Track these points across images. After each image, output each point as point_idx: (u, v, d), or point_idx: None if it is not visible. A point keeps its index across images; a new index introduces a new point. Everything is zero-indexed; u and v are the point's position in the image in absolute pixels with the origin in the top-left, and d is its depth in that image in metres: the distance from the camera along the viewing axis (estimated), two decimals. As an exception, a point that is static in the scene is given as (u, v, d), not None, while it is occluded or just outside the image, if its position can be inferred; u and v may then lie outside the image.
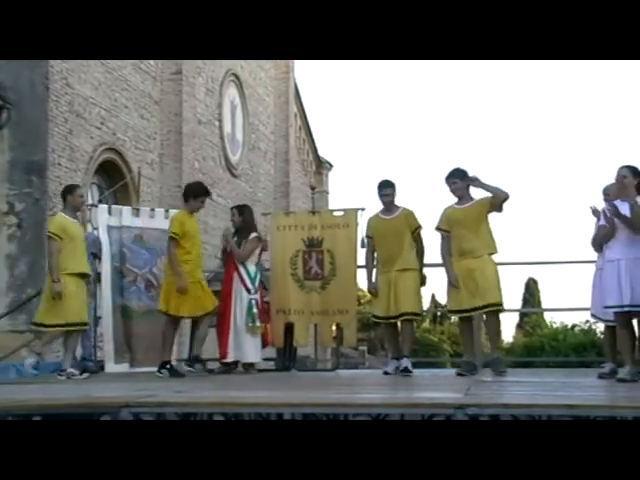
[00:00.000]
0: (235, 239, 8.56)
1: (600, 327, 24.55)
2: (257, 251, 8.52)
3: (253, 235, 8.51)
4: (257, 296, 8.43)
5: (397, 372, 7.72)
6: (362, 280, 8.22)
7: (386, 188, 7.91)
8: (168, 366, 7.81)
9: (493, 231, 7.57)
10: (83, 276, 7.89)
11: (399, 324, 7.87)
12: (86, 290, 7.98)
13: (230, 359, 8.45)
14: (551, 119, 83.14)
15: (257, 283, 8.45)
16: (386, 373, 7.87)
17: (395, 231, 7.79)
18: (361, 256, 8.53)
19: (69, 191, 8.10)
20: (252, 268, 8.45)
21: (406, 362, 7.74)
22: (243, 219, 8.61)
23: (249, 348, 8.36)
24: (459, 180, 7.54)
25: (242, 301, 8.36)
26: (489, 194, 7.46)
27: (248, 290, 8.37)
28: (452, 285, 7.47)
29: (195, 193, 8.08)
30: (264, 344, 8.62)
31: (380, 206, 8.01)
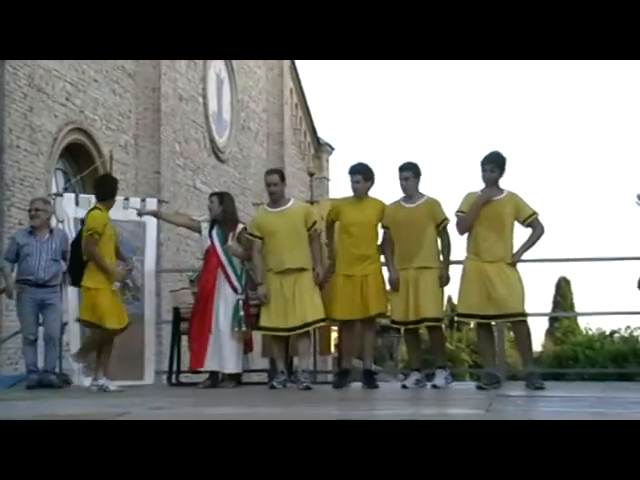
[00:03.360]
0: (214, 230, 8.49)
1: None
2: None
3: (241, 227, 8.49)
4: (244, 296, 8.45)
5: (418, 385, 7.76)
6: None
7: (403, 171, 7.83)
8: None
9: (515, 238, 7.57)
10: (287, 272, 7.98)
11: (424, 331, 7.97)
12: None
13: (207, 368, 8.47)
14: (584, 113, 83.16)
15: (243, 281, 8.45)
16: (404, 387, 7.85)
17: (415, 223, 7.73)
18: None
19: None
20: (238, 264, 8.45)
21: (439, 375, 7.78)
22: (224, 209, 8.56)
23: (230, 357, 8.34)
24: (497, 168, 7.51)
25: (227, 302, 8.34)
26: (516, 193, 7.53)
27: (235, 289, 8.36)
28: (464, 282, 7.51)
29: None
30: (246, 351, 8.62)
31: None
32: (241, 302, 8.33)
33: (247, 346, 8.56)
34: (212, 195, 8.90)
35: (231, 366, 8.39)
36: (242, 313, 8.30)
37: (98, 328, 7.94)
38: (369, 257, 7.90)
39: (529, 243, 7.55)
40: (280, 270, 7.96)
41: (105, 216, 8.02)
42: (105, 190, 8.25)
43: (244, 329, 8.31)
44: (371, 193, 8.06)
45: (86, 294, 7.97)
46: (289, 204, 8.17)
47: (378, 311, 7.94)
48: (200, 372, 8.56)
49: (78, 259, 8.03)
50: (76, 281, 8.17)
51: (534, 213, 7.54)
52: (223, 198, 8.70)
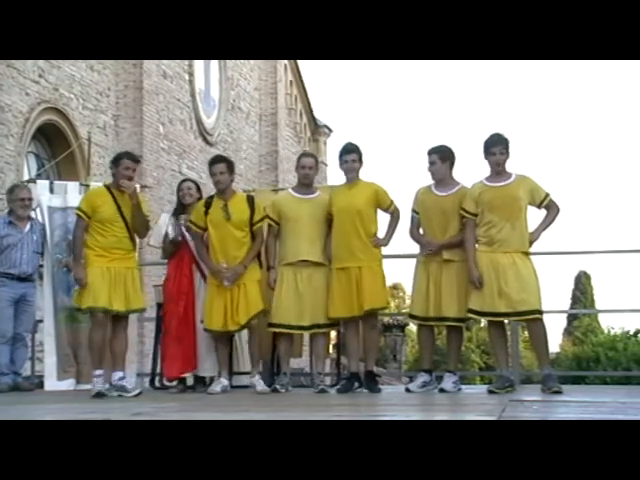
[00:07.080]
0: (183, 222, 8.45)
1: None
2: None
3: None
4: None
5: (425, 389, 7.80)
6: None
7: (429, 155, 7.90)
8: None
9: (529, 225, 7.59)
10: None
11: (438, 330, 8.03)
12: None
13: (204, 373, 8.48)
14: (601, 105, 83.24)
15: None
16: (408, 391, 7.89)
17: (446, 211, 7.78)
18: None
19: None
20: None
21: (447, 380, 7.81)
22: (200, 197, 8.59)
23: (208, 358, 8.31)
24: (505, 151, 7.52)
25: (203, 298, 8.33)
26: (527, 176, 7.57)
27: None
28: (474, 283, 7.50)
29: None
30: None
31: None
32: None
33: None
34: (185, 181, 8.97)
35: (207, 369, 8.41)
36: None
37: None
38: (363, 247, 7.92)
39: (547, 222, 7.59)
40: (295, 261, 7.98)
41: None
42: None
43: None
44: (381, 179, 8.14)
45: None
46: (316, 193, 8.30)
47: (373, 306, 7.90)
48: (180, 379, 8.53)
49: None
50: None
51: (548, 194, 7.59)
52: (198, 185, 8.82)
